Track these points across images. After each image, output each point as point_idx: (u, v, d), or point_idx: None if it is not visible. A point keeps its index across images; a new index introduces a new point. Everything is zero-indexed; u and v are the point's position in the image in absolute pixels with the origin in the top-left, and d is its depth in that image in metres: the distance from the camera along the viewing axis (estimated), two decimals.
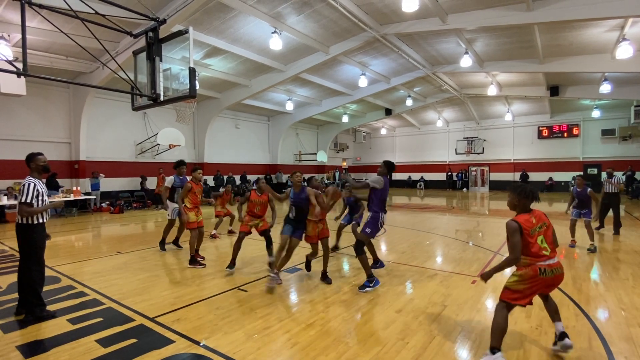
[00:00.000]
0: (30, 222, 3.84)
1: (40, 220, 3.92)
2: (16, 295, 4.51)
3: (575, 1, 9.41)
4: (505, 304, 2.95)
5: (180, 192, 6.30)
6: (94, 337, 3.45)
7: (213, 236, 8.71)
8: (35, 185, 3.85)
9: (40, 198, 3.89)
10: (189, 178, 6.54)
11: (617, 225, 8.80)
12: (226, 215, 8.93)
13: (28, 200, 3.77)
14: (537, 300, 4.32)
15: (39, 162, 3.96)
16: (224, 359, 3.07)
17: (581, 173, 8.54)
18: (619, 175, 8.64)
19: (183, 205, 6.23)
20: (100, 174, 14.49)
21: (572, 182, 7.52)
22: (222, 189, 9.31)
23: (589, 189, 7.36)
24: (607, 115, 22.12)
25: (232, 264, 5.66)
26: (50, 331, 3.61)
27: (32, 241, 3.86)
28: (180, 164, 7.16)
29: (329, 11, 10.58)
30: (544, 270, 2.85)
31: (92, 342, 3.36)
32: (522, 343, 3.32)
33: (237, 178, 20.98)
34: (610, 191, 8.62)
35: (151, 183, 16.48)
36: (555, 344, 3.13)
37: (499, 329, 2.90)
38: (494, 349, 2.86)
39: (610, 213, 8.93)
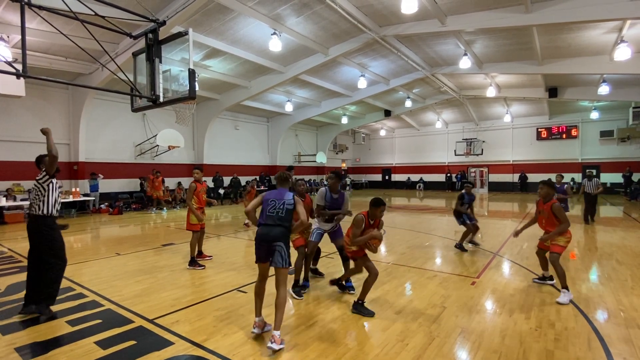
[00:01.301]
0: (43, 213, 3.93)
1: (53, 213, 4.02)
2: (15, 296, 4.51)
3: (573, 3, 9.45)
4: (558, 255, 4.44)
5: (187, 193, 6.31)
6: (93, 339, 3.44)
7: (247, 224, 10.32)
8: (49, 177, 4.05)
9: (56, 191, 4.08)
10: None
11: (592, 215, 10.68)
12: None
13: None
14: (536, 301, 4.38)
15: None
16: None
17: (563, 174, 10.17)
18: (594, 180, 10.49)
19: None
20: (99, 175, 14.47)
21: (571, 182, 8.68)
22: (248, 186, 10.68)
23: (566, 185, 8.99)
24: (606, 116, 22.21)
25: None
26: (49, 333, 3.60)
27: (49, 235, 3.95)
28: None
29: (328, 13, 10.60)
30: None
31: (91, 343, 3.36)
32: (522, 343, 3.32)
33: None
34: (589, 191, 10.30)
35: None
36: (540, 278, 5.04)
37: (562, 273, 4.35)
38: (564, 287, 4.31)
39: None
